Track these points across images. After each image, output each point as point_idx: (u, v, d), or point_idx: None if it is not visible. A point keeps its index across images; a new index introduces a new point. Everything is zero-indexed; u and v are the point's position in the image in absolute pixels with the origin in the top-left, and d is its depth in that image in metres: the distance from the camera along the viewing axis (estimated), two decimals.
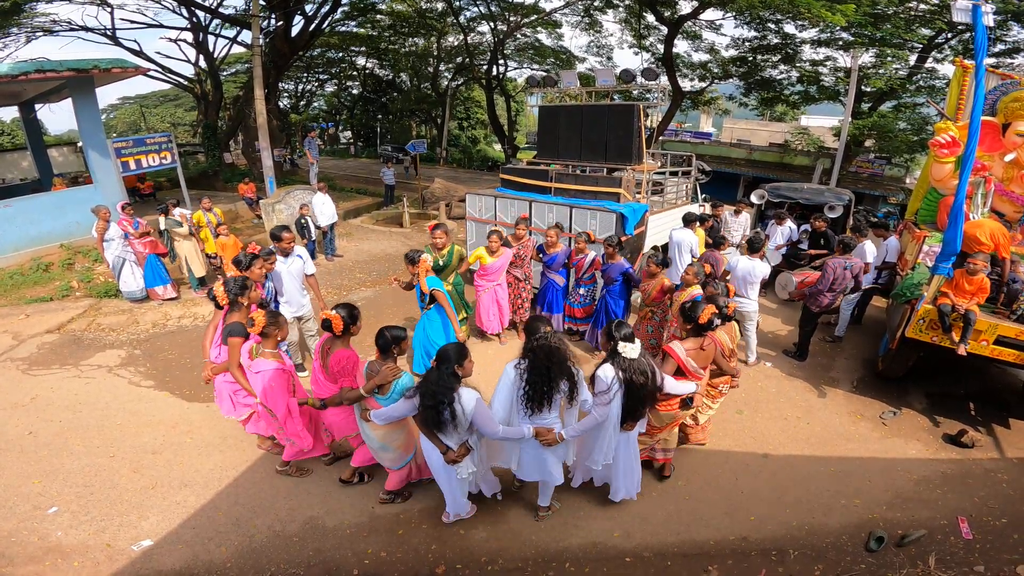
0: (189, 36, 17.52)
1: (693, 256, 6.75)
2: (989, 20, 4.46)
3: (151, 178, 14.90)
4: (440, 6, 21.09)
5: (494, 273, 5.87)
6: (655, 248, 7.94)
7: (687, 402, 3.68)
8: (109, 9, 14.81)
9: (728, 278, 5.88)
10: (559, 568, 3.43)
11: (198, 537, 3.57)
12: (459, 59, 25.65)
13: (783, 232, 8.40)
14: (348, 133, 38.89)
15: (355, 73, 31.27)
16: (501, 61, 22.05)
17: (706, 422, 4.34)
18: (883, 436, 4.93)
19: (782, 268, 7.87)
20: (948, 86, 7.51)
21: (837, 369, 6.20)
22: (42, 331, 6.68)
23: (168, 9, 15.88)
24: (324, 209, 9.81)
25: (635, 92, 8.45)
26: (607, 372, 3.19)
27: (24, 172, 14.20)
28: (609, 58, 21.40)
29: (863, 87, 16.22)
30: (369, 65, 29.98)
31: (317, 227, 9.64)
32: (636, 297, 6.12)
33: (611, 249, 5.71)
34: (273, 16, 14.95)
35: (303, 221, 9.21)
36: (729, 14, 15.52)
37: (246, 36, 16.77)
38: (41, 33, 15.01)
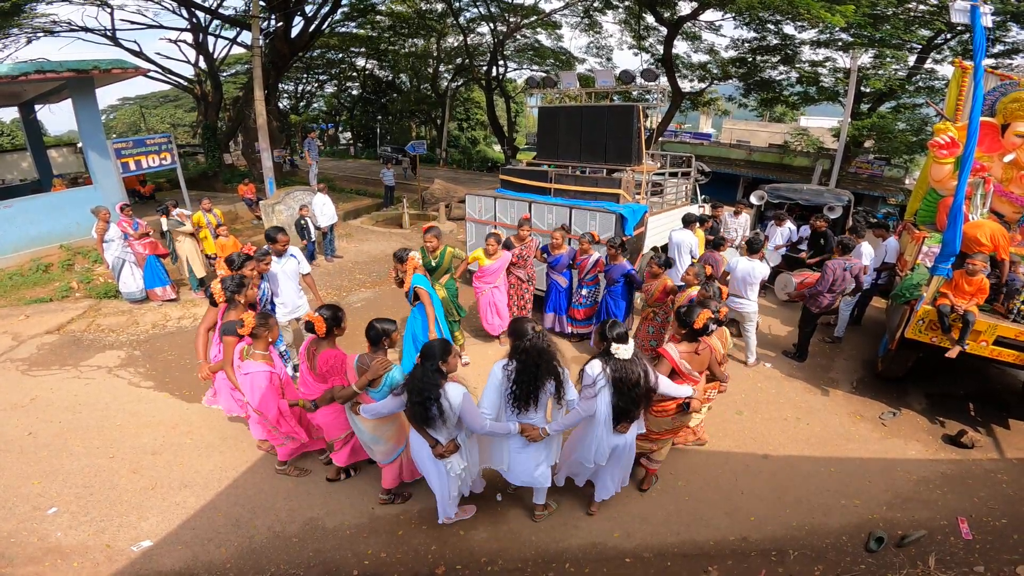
0: (189, 37, 17.56)
1: (693, 257, 6.76)
2: (988, 21, 4.47)
3: (151, 180, 14.91)
4: (440, 7, 21.12)
5: (491, 275, 5.88)
6: (655, 249, 7.95)
7: (684, 407, 3.62)
8: (109, 10, 14.84)
9: (728, 279, 5.89)
10: (559, 568, 3.43)
11: (198, 538, 3.57)
12: (459, 60, 25.66)
13: (782, 233, 8.40)
14: (348, 134, 38.87)
15: (355, 74, 31.28)
16: (501, 62, 22.07)
17: (697, 426, 4.30)
18: (883, 436, 4.94)
19: (782, 269, 7.87)
20: (947, 87, 7.51)
21: (837, 370, 6.20)
22: (42, 332, 6.67)
23: (168, 10, 15.90)
24: (324, 210, 9.83)
25: (635, 93, 8.48)
26: (594, 367, 3.19)
27: (24, 173, 14.19)
28: (609, 59, 21.42)
29: (862, 88, 16.23)
30: (369, 66, 30.02)
31: (317, 228, 9.65)
32: (638, 298, 6.12)
33: (614, 250, 5.72)
34: (273, 17, 14.95)
35: (303, 222, 9.22)
36: (728, 15, 15.53)
37: (246, 37, 16.81)
38: (41, 34, 15.01)
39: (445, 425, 3.05)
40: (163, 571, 3.33)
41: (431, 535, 3.63)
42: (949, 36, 14.62)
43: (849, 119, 16.00)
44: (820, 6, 11.56)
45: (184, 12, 15.99)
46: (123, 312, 7.29)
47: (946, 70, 15.20)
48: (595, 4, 18.00)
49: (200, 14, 16.07)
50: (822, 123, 26.59)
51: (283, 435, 3.79)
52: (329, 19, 16.80)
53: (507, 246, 6.14)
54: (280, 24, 14.89)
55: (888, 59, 15.21)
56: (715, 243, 6.31)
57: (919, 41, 14.83)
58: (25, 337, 6.52)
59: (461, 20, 20.92)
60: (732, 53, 18.06)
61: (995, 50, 13.97)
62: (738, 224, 8.60)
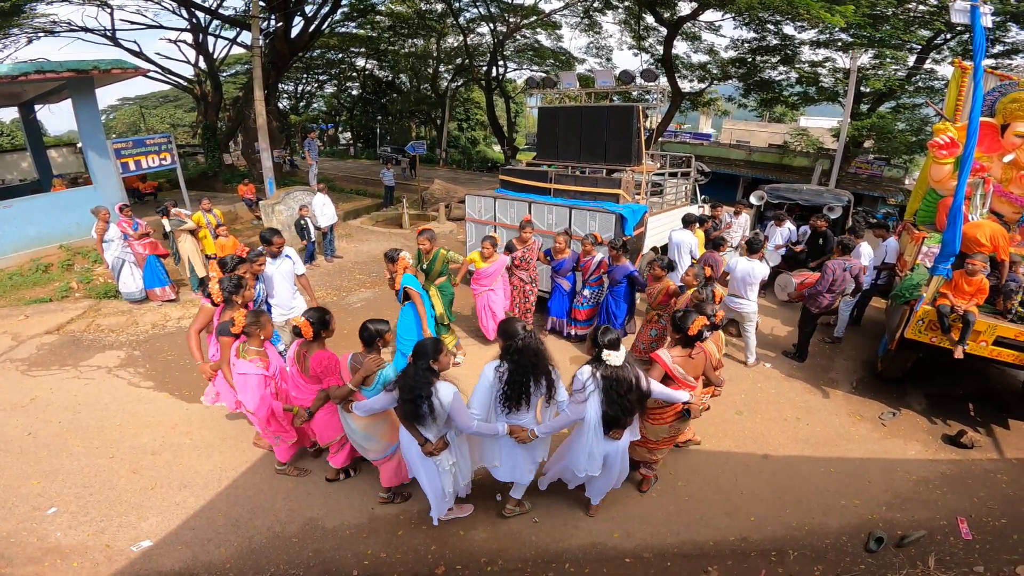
0: (189, 37, 17.53)
1: (693, 257, 6.76)
2: (987, 21, 4.47)
3: (152, 177, 14.90)
4: (440, 7, 21.12)
5: (487, 278, 5.89)
6: (654, 249, 7.95)
7: (684, 415, 3.57)
8: (109, 10, 14.83)
9: (727, 279, 5.89)
10: (559, 569, 3.42)
11: (197, 538, 3.56)
12: (459, 60, 25.67)
13: (782, 233, 8.41)
14: (348, 134, 38.87)
15: (355, 74, 31.28)
16: (500, 62, 22.08)
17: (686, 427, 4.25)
18: (882, 437, 4.94)
19: (781, 269, 7.88)
20: (947, 87, 7.51)
21: (836, 370, 6.20)
22: (41, 332, 6.67)
23: (168, 10, 15.89)
24: (325, 210, 9.83)
25: (634, 93, 8.48)
26: (584, 372, 3.17)
27: (24, 173, 14.18)
28: (608, 59, 21.44)
29: (862, 88, 16.24)
30: (369, 66, 30.02)
31: (317, 228, 9.65)
32: (639, 299, 6.12)
33: (616, 251, 5.71)
34: (273, 17, 14.95)
35: (303, 222, 9.23)
36: (728, 15, 15.54)
37: (246, 37, 16.80)
38: (41, 34, 15.01)
39: (435, 423, 3.07)
40: (163, 571, 3.33)
41: (431, 535, 3.63)
42: (949, 36, 14.62)
43: (849, 119, 16.00)
44: (820, 6, 11.56)
45: (184, 12, 15.98)
46: (123, 312, 7.29)
47: (946, 70, 15.22)
48: (595, 4, 18.01)
49: (200, 14, 16.07)
50: (822, 123, 26.60)
51: (272, 434, 3.80)
52: (329, 19, 16.80)
53: (509, 248, 6.14)
54: (280, 24, 14.89)
55: (888, 59, 15.22)
56: (715, 243, 6.31)
57: (919, 41, 14.83)
58: (25, 337, 6.52)
59: (461, 20, 20.93)
60: (732, 53, 18.08)
61: (995, 50, 13.98)
62: (738, 224, 8.61)
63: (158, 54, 20.37)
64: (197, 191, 13.69)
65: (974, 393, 5.70)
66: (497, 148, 30.85)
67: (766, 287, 7.47)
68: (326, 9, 15.79)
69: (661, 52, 17.05)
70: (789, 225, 8.48)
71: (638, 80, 7.89)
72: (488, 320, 6.08)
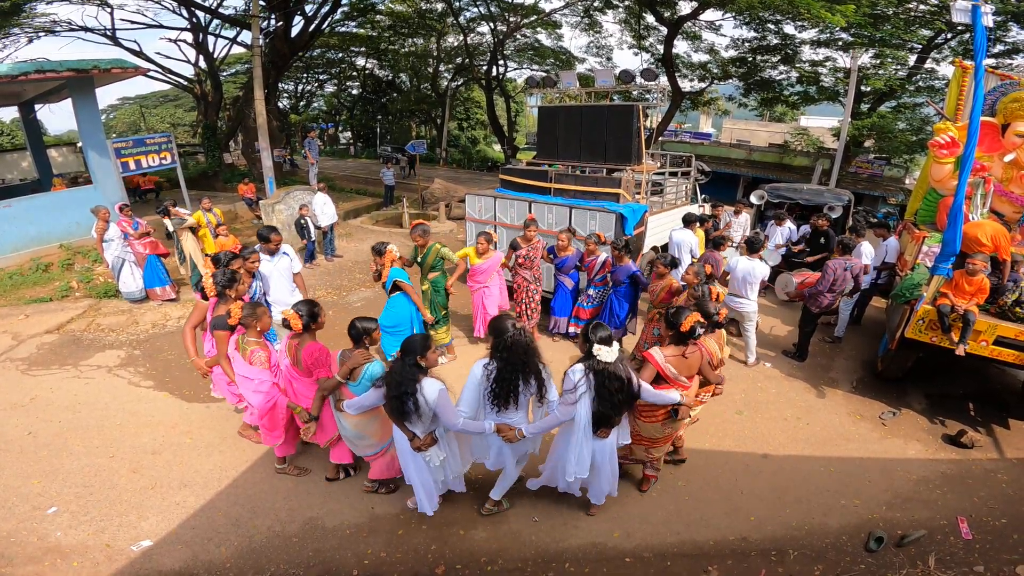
0: (189, 36, 17.55)
1: (693, 257, 6.76)
2: (988, 21, 4.47)
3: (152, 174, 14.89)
4: (440, 7, 21.11)
5: (482, 275, 5.89)
6: (655, 248, 7.94)
7: (673, 414, 3.52)
8: (109, 9, 14.83)
9: (727, 279, 5.88)
10: (559, 568, 3.42)
11: (197, 537, 3.56)
12: (459, 60, 25.66)
13: (783, 232, 8.40)
14: (348, 133, 38.86)
15: (355, 73, 31.27)
16: (501, 62, 22.06)
17: (680, 429, 4.13)
18: (883, 436, 4.94)
19: (782, 269, 7.87)
20: (947, 86, 7.51)
21: (837, 370, 6.20)
22: (41, 331, 6.67)
23: (168, 9, 15.89)
24: (325, 209, 9.83)
25: (634, 92, 8.47)
26: (576, 371, 3.13)
27: (24, 172, 14.19)
28: (609, 58, 21.43)
29: (862, 87, 16.22)
30: (369, 65, 30.00)
31: (317, 227, 9.65)
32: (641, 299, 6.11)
33: (618, 251, 5.70)
34: (273, 16, 14.94)
35: (303, 221, 9.22)
36: (729, 15, 15.53)
37: (246, 36, 16.79)
38: (42, 33, 15.01)
39: (421, 420, 3.07)
40: (163, 571, 3.33)
41: (431, 535, 3.63)
42: (950, 36, 14.62)
43: (849, 119, 15.99)
44: (820, 6, 11.55)
45: (184, 12, 15.98)
46: (123, 312, 7.29)
47: (946, 70, 15.21)
48: (595, 4, 18.00)
49: (200, 14, 16.07)
50: (822, 123, 26.60)
51: (265, 428, 3.81)
52: (329, 19, 16.79)
53: (513, 247, 6.14)
54: (280, 24, 14.89)
55: (888, 59, 15.20)
56: (715, 243, 6.31)
57: (919, 41, 14.82)
58: (25, 337, 6.52)
59: (461, 20, 20.92)
60: (732, 53, 18.08)
61: (996, 50, 13.96)
62: (738, 224, 8.60)
63: (158, 53, 20.41)
64: (197, 190, 13.68)
65: (974, 393, 5.70)
66: (497, 147, 30.83)
67: (767, 287, 7.46)
68: (326, 8, 15.78)
69: (661, 51, 17.05)
70: (789, 224, 8.48)
71: (638, 79, 7.88)
72: (481, 317, 6.09)
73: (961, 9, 4.42)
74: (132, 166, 9.62)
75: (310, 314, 3.51)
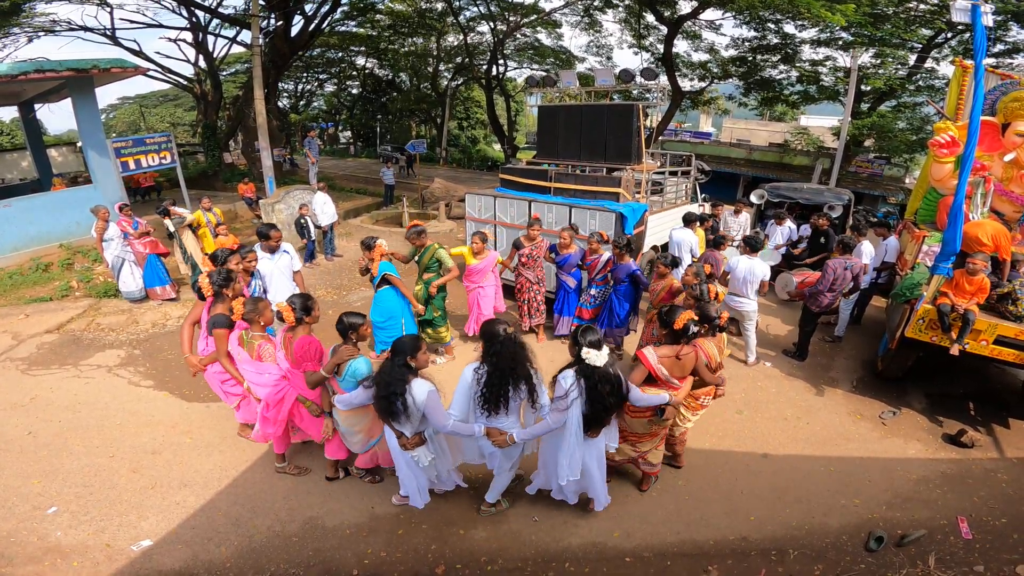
0: (189, 36, 17.51)
1: (693, 256, 6.75)
2: (988, 20, 4.46)
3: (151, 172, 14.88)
4: (440, 6, 21.09)
5: (477, 275, 5.89)
6: (655, 248, 7.94)
7: (659, 412, 3.49)
8: (109, 9, 14.80)
9: (727, 279, 5.87)
10: (559, 568, 3.43)
11: (198, 537, 3.57)
12: (459, 59, 25.63)
13: (783, 232, 8.40)
14: (348, 133, 38.86)
15: (355, 73, 31.23)
16: (501, 61, 22.05)
17: (682, 434, 4.14)
18: (883, 436, 4.94)
19: (782, 268, 7.87)
20: (947, 86, 7.50)
21: (837, 369, 6.20)
22: (41, 331, 6.67)
23: (168, 9, 15.86)
24: (325, 209, 9.84)
25: (634, 92, 8.46)
26: (567, 377, 3.11)
27: (23, 172, 14.17)
28: (609, 58, 21.42)
29: (863, 87, 16.22)
30: (369, 65, 29.96)
31: (317, 227, 9.65)
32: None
33: (619, 250, 5.69)
34: (273, 16, 14.92)
35: (303, 221, 9.22)
36: (729, 14, 15.52)
37: (246, 36, 16.76)
38: (41, 33, 14.99)
39: (409, 420, 3.08)
40: (163, 570, 3.33)
41: (431, 534, 3.63)
42: (950, 35, 14.61)
43: (849, 118, 15.99)
44: (820, 5, 11.54)
45: (184, 11, 15.95)
46: (123, 311, 7.29)
47: (947, 69, 15.21)
48: (595, 3, 17.98)
49: (200, 13, 16.04)
50: (822, 122, 26.59)
51: (266, 421, 3.81)
52: (329, 18, 16.76)
53: (517, 246, 6.14)
54: (280, 23, 14.87)
55: (888, 58, 15.20)
56: (715, 242, 6.31)
57: (920, 40, 14.82)
58: (25, 336, 6.52)
59: (461, 19, 20.90)
60: (732, 52, 18.06)
61: (996, 49, 13.96)
62: (738, 223, 8.60)
63: (158, 53, 20.37)
64: (197, 190, 13.67)
65: (974, 392, 5.69)
66: (497, 147, 30.83)
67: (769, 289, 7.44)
68: (326, 8, 15.75)
69: (661, 51, 17.03)
70: (789, 224, 8.48)
71: (638, 79, 7.87)
72: (474, 317, 6.09)
73: (961, 8, 4.41)
74: (132, 165, 9.62)
75: (303, 307, 3.55)
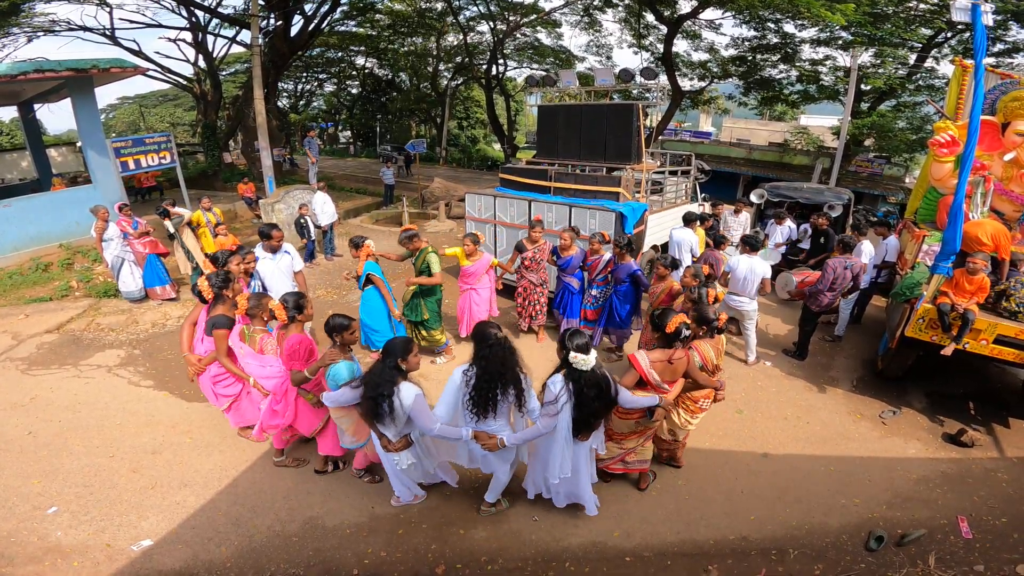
0: (188, 36, 17.51)
1: (693, 256, 6.75)
2: (988, 20, 4.46)
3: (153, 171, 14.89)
4: (439, 6, 21.10)
5: (469, 277, 5.90)
6: (654, 247, 7.94)
7: (648, 414, 3.47)
8: (108, 9, 14.79)
9: (727, 279, 5.86)
10: (559, 568, 3.42)
11: (198, 537, 3.57)
12: (458, 59, 25.63)
13: (782, 231, 8.40)
14: (347, 133, 38.87)
15: (354, 73, 31.24)
16: (500, 61, 22.04)
17: (684, 437, 4.13)
18: (883, 435, 4.94)
19: (782, 267, 7.87)
20: (947, 85, 7.50)
21: (837, 368, 6.20)
22: (41, 331, 6.67)
23: (167, 9, 15.86)
24: (325, 208, 9.83)
25: (634, 91, 8.46)
26: (556, 383, 3.10)
27: (23, 172, 14.17)
28: (608, 57, 21.45)
29: (862, 86, 16.24)
30: (368, 65, 29.97)
31: (317, 226, 9.65)
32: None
33: (619, 250, 5.68)
34: (272, 16, 14.92)
35: (302, 221, 9.22)
36: (728, 13, 15.53)
37: (245, 36, 16.76)
38: (41, 33, 14.98)
39: (393, 423, 3.08)
40: (163, 570, 3.33)
41: (431, 534, 3.63)
42: (950, 35, 14.63)
43: (849, 117, 15.99)
44: (820, 5, 11.54)
45: (183, 11, 15.95)
46: (123, 311, 7.28)
47: (946, 68, 15.22)
48: (595, 2, 17.99)
49: (199, 13, 16.04)
50: (822, 122, 26.63)
51: (272, 412, 3.83)
52: (329, 18, 16.76)
53: (519, 248, 6.11)
54: (279, 23, 14.87)
55: (888, 58, 15.21)
56: (715, 242, 6.30)
57: (919, 40, 14.83)
58: (25, 336, 6.52)
59: (461, 19, 20.90)
60: (732, 52, 18.08)
61: (996, 49, 13.97)
62: (738, 223, 8.60)
63: (157, 53, 20.40)
64: (197, 190, 13.68)
65: (974, 392, 5.69)
66: (497, 146, 30.83)
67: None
68: (326, 8, 15.76)
69: (661, 50, 17.04)
70: (789, 223, 8.47)
71: (638, 78, 7.87)
72: (464, 318, 6.09)
73: (961, 8, 4.41)
74: (131, 165, 9.61)
75: (295, 305, 3.57)
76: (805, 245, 8.30)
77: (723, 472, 4.34)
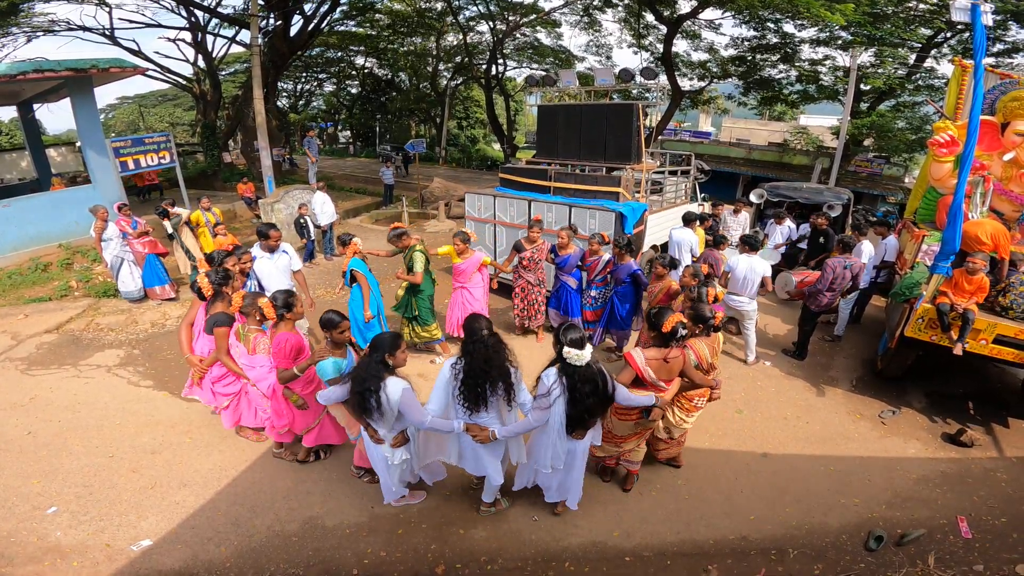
0: (188, 36, 17.48)
1: (693, 256, 6.75)
2: (988, 20, 4.46)
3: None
4: (439, 6, 21.10)
5: (460, 275, 5.91)
6: (654, 247, 7.94)
7: (645, 414, 3.47)
8: (107, 9, 14.78)
9: (727, 279, 5.86)
10: (559, 567, 3.43)
11: (197, 537, 3.56)
12: (458, 58, 25.64)
13: (782, 231, 8.40)
14: (347, 132, 38.87)
15: (354, 72, 31.23)
16: (500, 60, 22.05)
17: (681, 436, 4.12)
18: (882, 435, 4.94)
19: (782, 267, 7.87)
20: (947, 85, 7.50)
21: (836, 368, 6.20)
22: (41, 331, 6.66)
23: (167, 9, 15.84)
24: (324, 208, 9.84)
25: (634, 91, 8.46)
26: (549, 375, 3.09)
27: (23, 172, 14.16)
28: (608, 57, 21.43)
29: (862, 86, 16.25)
30: (368, 64, 29.96)
31: (316, 226, 9.65)
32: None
33: (619, 250, 5.68)
34: (272, 16, 14.92)
35: (302, 220, 9.22)
36: (728, 13, 15.53)
37: (245, 36, 16.74)
38: (40, 33, 14.97)
39: (383, 418, 3.08)
40: (163, 570, 3.33)
41: (431, 534, 3.63)
42: (949, 35, 14.64)
43: (849, 117, 16.00)
44: (820, 5, 11.55)
45: (183, 11, 15.93)
46: (122, 311, 7.28)
47: (946, 68, 15.24)
48: (595, 2, 17.99)
49: (199, 13, 16.03)
50: (822, 121, 26.64)
51: (276, 413, 3.87)
52: (328, 18, 16.77)
53: (517, 248, 6.12)
54: (279, 23, 14.87)
55: (888, 58, 15.21)
56: (715, 242, 6.30)
57: (919, 40, 14.84)
58: (24, 336, 6.52)
59: (460, 19, 20.90)
60: (732, 52, 18.08)
61: (995, 49, 13.98)
62: (737, 222, 8.60)
63: (157, 53, 20.38)
64: (196, 190, 13.67)
65: (974, 391, 5.69)
66: (497, 146, 30.81)
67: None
68: (325, 7, 15.76)
69: (661, 50, 17.03)
70: (789, 223, 8.47)
71: (638, 78, 7.87)
72: (453, 316, 6.07)
73: (960, 8, 4.41)
74: (131, 165, 9.61)
75: (284, 303, 3.58)
76: (803, 246, 8.31)
77: (723, 472, 4.34)
